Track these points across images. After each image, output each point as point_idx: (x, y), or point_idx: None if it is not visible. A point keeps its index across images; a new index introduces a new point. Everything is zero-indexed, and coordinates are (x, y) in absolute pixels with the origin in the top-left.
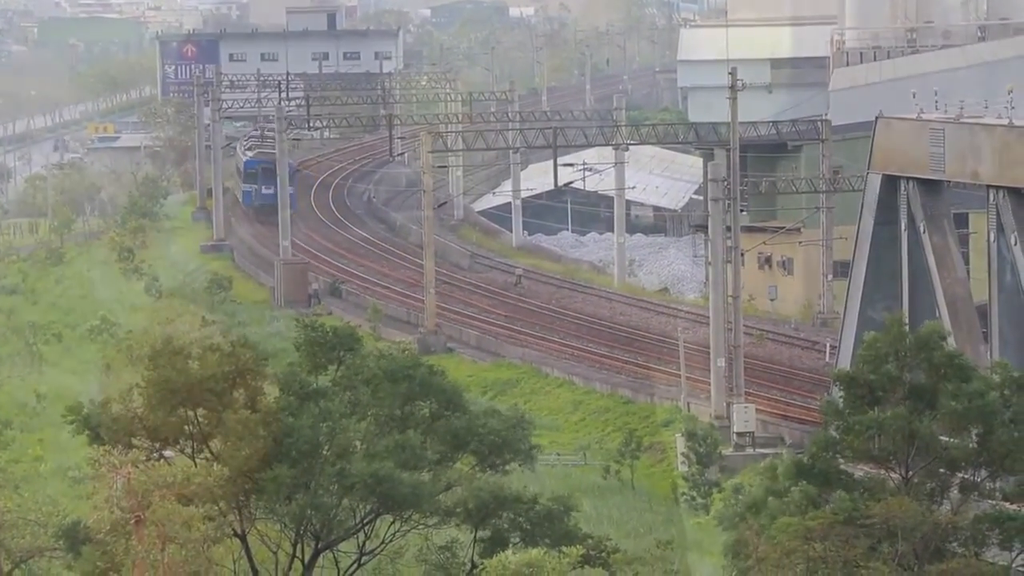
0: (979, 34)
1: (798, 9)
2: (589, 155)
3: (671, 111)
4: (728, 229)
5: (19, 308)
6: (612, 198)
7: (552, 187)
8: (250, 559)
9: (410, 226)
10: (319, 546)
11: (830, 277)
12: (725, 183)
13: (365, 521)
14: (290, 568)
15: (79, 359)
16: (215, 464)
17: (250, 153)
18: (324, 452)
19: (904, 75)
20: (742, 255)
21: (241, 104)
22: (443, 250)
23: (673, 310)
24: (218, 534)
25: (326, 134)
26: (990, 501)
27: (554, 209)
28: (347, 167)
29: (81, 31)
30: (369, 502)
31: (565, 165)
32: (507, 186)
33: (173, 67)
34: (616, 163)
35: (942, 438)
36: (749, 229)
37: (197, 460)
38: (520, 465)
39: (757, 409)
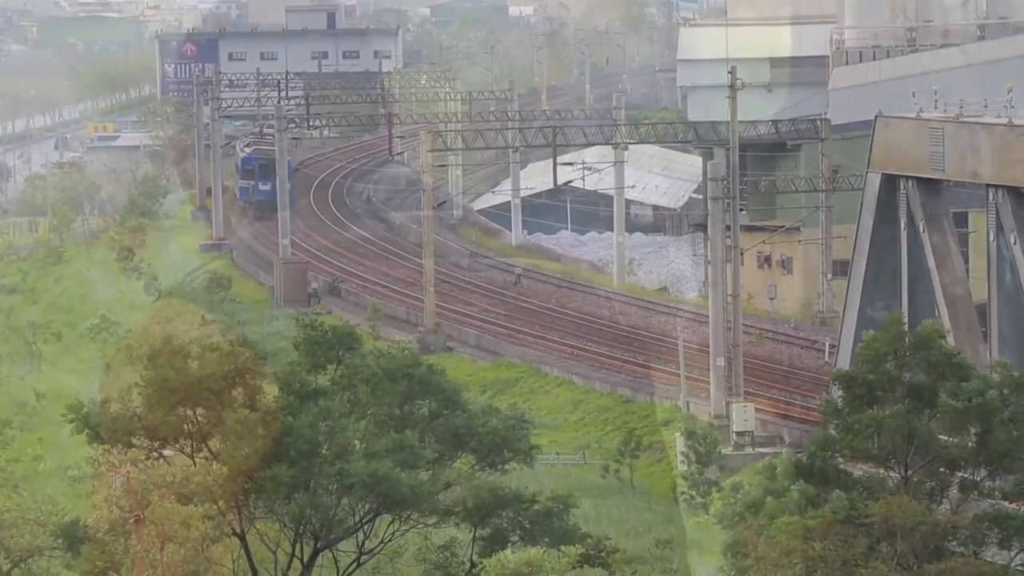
0: (979, 33)
1: (798, 8)
2: (589, 154)
3: (670, 110)
4: (727, 228)
5: (18, 307)
6: (611, 197)
7: (551, 186)
8: (249, 558)
9: (409, 225)
10: (318, 545)
11: (829, 276)
12: (724, 182)
13: (364, 520)
14: (289, 567)
15: (78, 358)
16: (214, 463)
17: (248, 150)
18: (323, 451)
19: (904, 74)
20: (741, 254)
21: (240, 103)
22: (442, 249)
23: (672, 309)
24: (217, 533)
25: (325, 133)
26: (989, 500)
27: (554, 208)
28: (346, 166)
29: (80, 30)
30: (368, 501)
31: (564, 164)
32: (506, 185)
33: (172, 66)
34: (615, 162)
35: (941, 437)
36: (748, 228)
37: (196, 459)
38: (519, 464)
39: (756, 408)
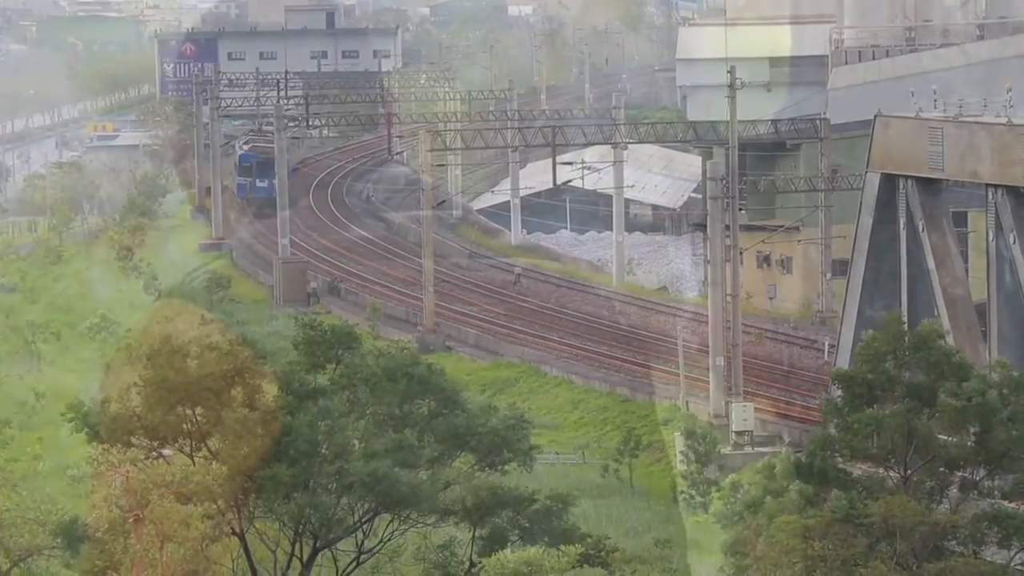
0: (978, 33)
1: (797, 8)
2: (588, 154)
3: (670, 110)
4: (727, 228)
5: (18, 307)
6: (611, 197)
7: (551, 186)
8: (249, 558)
9: (409, 225)
10: (318, 545)
11: (829, 276)
12: (724, 182)
13: (364, 520)
14: (288, 567)
15: (78, 358)
16: (214, 463)
17: (246, 147)
18: (323, 451)
19: (903, 74)
20: (741, 254)
21: (240, 103)
22: (442, 249)
23: (672, 309)
24: (216, 533)
25: (325, 132)
26: (989, 500)
27: (553, 208)
28: (346, 166)
29: (80, 30)
30: (367, 501)
31: (564, 164)
32: (506, 185)
33: (172, 65)
34: (615, 162)
35: (940, 437)
36: (748, 228)
37: (196, 459)
38: (519, 464)
39: (756, 408)
